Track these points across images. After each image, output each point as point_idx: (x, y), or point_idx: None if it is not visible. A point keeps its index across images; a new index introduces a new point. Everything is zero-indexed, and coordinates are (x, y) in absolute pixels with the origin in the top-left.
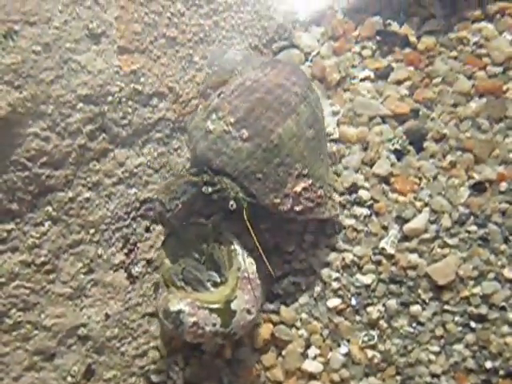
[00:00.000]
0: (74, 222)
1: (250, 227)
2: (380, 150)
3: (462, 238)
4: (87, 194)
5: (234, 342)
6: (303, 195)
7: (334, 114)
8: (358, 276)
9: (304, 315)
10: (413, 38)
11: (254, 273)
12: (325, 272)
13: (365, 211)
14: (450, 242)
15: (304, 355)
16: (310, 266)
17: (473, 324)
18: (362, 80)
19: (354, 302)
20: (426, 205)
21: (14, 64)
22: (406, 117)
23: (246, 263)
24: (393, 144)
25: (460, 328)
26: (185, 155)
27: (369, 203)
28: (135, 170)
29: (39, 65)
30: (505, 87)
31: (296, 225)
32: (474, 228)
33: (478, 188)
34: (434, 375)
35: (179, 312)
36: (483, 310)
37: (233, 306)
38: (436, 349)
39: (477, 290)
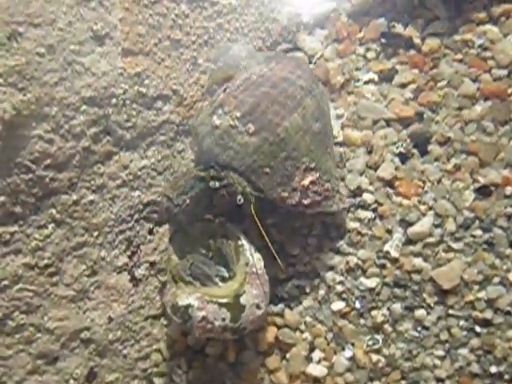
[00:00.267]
0: (78, 225)
1: (257, 221)
2: (384, 153)
3: (466, 242)
4: (91, 197)
5: (238, 344)
6: (311, 189)
7: (338, 117)
8: (362, 279)
9: (308, 318)
10: (417, 40)
11: (261, 268)
12: (329, 275)
13: (369, 214)
14: (455, 246)
15: (308, 359)
16: (314, 269)
17: (478, 328)
18: (366, 83)
19: (358, 305)
20: (431, 208)
21: (17, 66)
22: (411, 120)
23: (254, 258)
24: (397, 147)
25: (465, 332)
26: (189, 158)
27: (373, 206)
28: (139, 173)
29: (43, 67)
30: (510, 90)
31: (302, 221)
32: (479, 232)
33: (483, 192)
34: (438, 380)
35: (188, 306)
36: (488, 314)
37: (242, 300)
38: (441, 353)
39: (482, 294)
